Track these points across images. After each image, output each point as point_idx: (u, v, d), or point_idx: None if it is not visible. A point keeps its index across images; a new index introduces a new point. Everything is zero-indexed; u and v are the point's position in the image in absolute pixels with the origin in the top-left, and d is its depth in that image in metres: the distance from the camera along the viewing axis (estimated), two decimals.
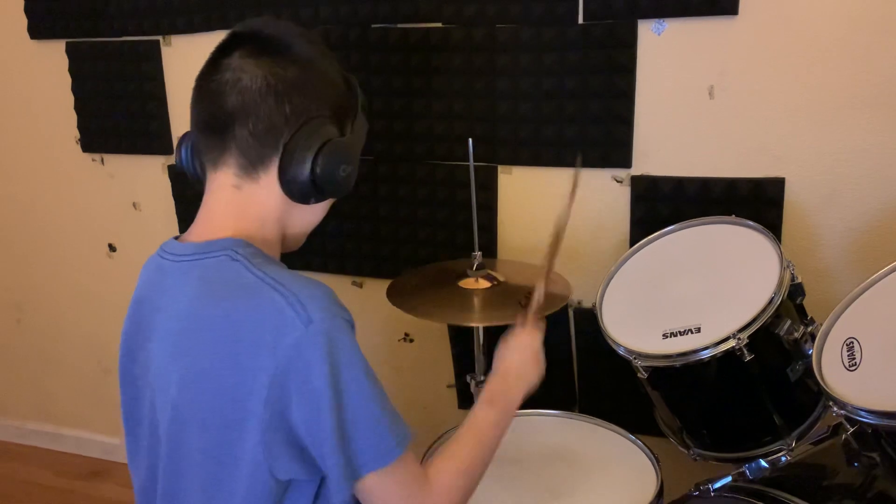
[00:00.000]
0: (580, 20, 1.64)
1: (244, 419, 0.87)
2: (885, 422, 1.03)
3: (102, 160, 2.25)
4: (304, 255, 2.02)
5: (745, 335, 1.22)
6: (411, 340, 2.04)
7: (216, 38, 0.97)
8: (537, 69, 1.69)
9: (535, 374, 1.14)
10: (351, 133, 1.00)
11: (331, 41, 1.84)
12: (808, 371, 1.20)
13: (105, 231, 2.34)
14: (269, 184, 0.96)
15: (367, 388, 0.88)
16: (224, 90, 0.93)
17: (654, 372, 1.31)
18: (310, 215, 1.04)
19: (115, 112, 2.15)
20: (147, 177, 2.20)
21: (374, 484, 0.90)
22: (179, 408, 0.92)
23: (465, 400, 1.99)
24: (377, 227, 1.95)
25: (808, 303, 1.36)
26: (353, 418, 0.87)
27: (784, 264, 1.29)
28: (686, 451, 1.42)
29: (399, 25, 1.79)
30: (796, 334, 1.26)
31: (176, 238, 1.00)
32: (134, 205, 2.26)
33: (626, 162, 1.69)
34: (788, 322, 1.25)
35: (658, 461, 1.38)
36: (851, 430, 1.13)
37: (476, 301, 1.48)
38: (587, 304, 1.77)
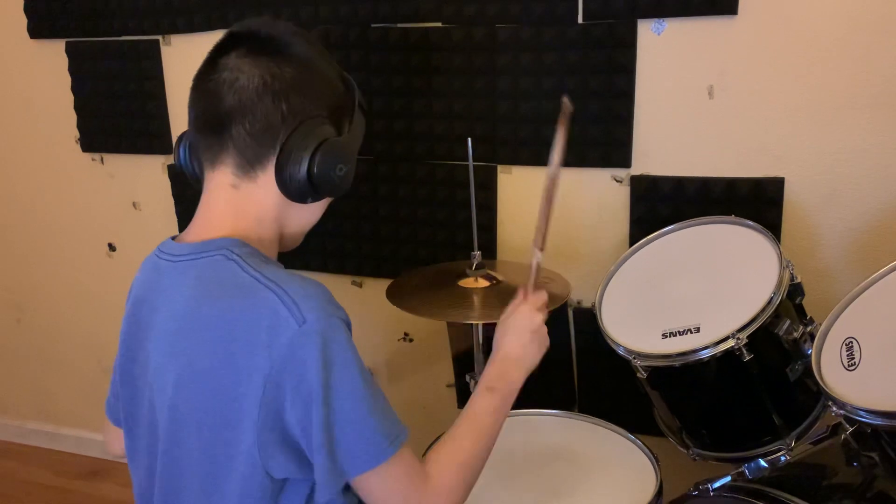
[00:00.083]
0: (580, 20, 1.64)
1: (240, 418, 0.87)
2: (885, 421, 1.03)
3: (102, 160, 2.26)
4: (304, 255, 2.02)
5: (744, 335, 1.22)
6: (411, 340, 2.04)
7: (216, 37, 0.98)
8: (537, 69, 1.69)
9: (535, 355, 1.10)
10: (348, 133, 1.00)
11: (331, 41, 1.84)
12: (808, 371, 1.20)
13: (105, 231, 2.34)
14: (266, 183, 0.96)
15: (361, 388, 0.88)
16: (221, 90, 0.93)
17: (654, 372, 1.31)
18: (307, 214, 1.04)
19: (115, 112, 2.15)
20: (147, 176, 2.20)
21: (372, 483, 0.90)
22: (177, 407, 0.92)
23: (465, 400, 1.98)
24: (377, 226, 1.95)
25: (808, 302, 1.36)
26: (343, 419, 0.86)
27: (783, 264, 1.29)
28: (685, 451, 1.42)
29: (399, 25, 1.79)
30: (795, 334, 1.26)
31: (173, 238, 1.01)
32: (134, 204, 2.27)
33: (625, 162, 1.68)
34: (788, 322, 1.25)
35: (657, 461, 1.37)
36: (851, 429, 1.14)
37: (475, 300, 1.48)
38: (587, 303, 1.77)
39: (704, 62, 1.58)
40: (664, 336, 1.32)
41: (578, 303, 1.81)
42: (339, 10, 1.83)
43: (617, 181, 1.71)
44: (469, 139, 1.50)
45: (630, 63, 1.62)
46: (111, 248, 2.35)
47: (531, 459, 1.43)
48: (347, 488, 0.93)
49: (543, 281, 1.44)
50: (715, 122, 1.60)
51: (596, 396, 1.85)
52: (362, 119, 1.05)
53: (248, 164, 0.95)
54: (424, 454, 1.36)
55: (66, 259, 2.43)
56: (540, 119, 1.72)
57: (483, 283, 1.52)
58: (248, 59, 0.93)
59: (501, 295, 1.49)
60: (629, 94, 1.64)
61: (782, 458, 1.31)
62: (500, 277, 1.54)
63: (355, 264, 2.01)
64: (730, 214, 1.45)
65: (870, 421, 1.04)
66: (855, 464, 1.24)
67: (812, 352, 1.18)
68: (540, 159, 1.75)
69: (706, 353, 1.25)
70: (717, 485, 1.33)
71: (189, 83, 0.98)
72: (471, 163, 1.51)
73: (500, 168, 1.80)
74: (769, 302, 1.25)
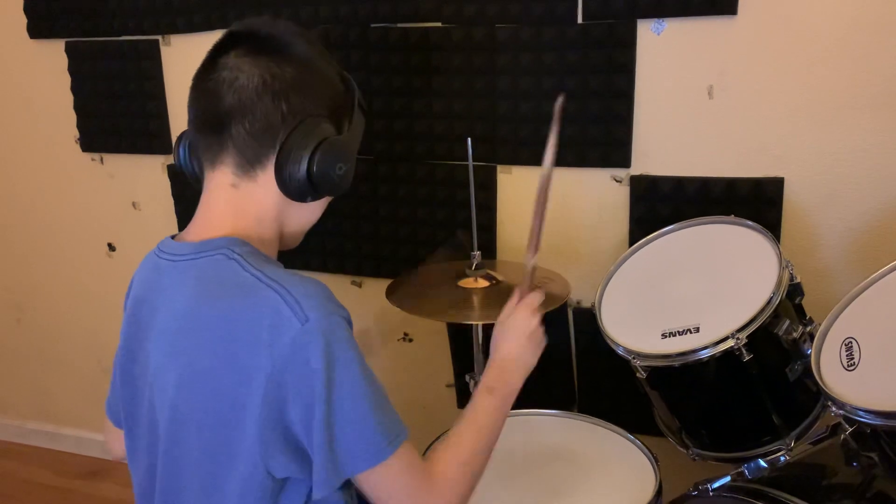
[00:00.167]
0: (580, 20, 1.64)
1: (241, 418, 0.87)
2: (884, 422, 1.03)
3: (102, 160, 2.26)
4: (304, 255, 2.02)
5: (743, 335, 1.22)
6: (410, 340, 2.04)
7: (216, 37, 0.98)
8: (537, 69, 1.69)
9: (533, 356, 1.12)
10: (348, 132, 1.00)
11: (331, 41, 1.84)
12: (807, 371, 1.20)
13: (105, 230, 2.34)
14: (266, 182, 0.96)
15: (362, 386, 0.88)
16: (221, 89, 0.93)
17: (653, 372, 1.31)
18: (307, 213, 1.04)
19: (115, 111, 2.15)
20: (147, 176, 2.20)
21: (373, 481, 0.90)
22: (177, 407, 0.92)
23: (465, 399, 1.98)
24: (377, 226, 1.95)
25: (807, 303, 1.36)
26: (343, 418, 0.87)
27: (783, 264, 1.29)
28: (685, 451, 1.42)
29: (399, 25, 1.79)
30: (795, 334, 1.26)
31: (173, 237, 1.01)
32: (133, 204, 2.27)
33: (625, 162, 1.68)
34: (787, 322, 1.25)
35: (657, 461, 1.38)
36: (850, 429, 1.14)
37: (475, 300, 1.48)
38: (586, 303, 1.77)
39: (704, 62, 1.58)
40: (664, 336, 1.32)
41: (578, 303, 1.81)
42: (339, 10, 1.83)
43: (617, 181, 1.71)
44: (469, 139, 1.50)
45: (630, 63, 1.62)
46: (111, 247, 2.35)
47: (531, 459, 1.43)
48: (344, 485, 0.93)
49: (542, 281, 1.44)
50: (715, 122, 1.60)
51: (596, 396, 1.85)
52: (362, 118, 1.05)
53: (248, 164, 0.96)
54: (425, 453, 1.37)
55: (65, 259, 2.43)
56: (540, 119, 1.72)
57: (483, 283, 1.52)
58: (248, 58, 0.94)
59: (501, 295, 1.48)
60: (629, 94, 1.64)
61: (782, 459, 1.31)
62: (499, 277, 1.54)
63: (355, 264, 2.01)
64: (729, 214, 1.45)
65: (869, 421, 1.04)
66: (854, 464, 1.24)
67: (811, 352, 1.18)
68: (540, 159, 1.74)
69: (706, 353, 1.25)
70: (716, 485, 1.33)
71: (189, 83, 0.98)
72: (470, 163, 1.51)
73: (499, 168, 1.80)
74: (769, 302, 1.25)
